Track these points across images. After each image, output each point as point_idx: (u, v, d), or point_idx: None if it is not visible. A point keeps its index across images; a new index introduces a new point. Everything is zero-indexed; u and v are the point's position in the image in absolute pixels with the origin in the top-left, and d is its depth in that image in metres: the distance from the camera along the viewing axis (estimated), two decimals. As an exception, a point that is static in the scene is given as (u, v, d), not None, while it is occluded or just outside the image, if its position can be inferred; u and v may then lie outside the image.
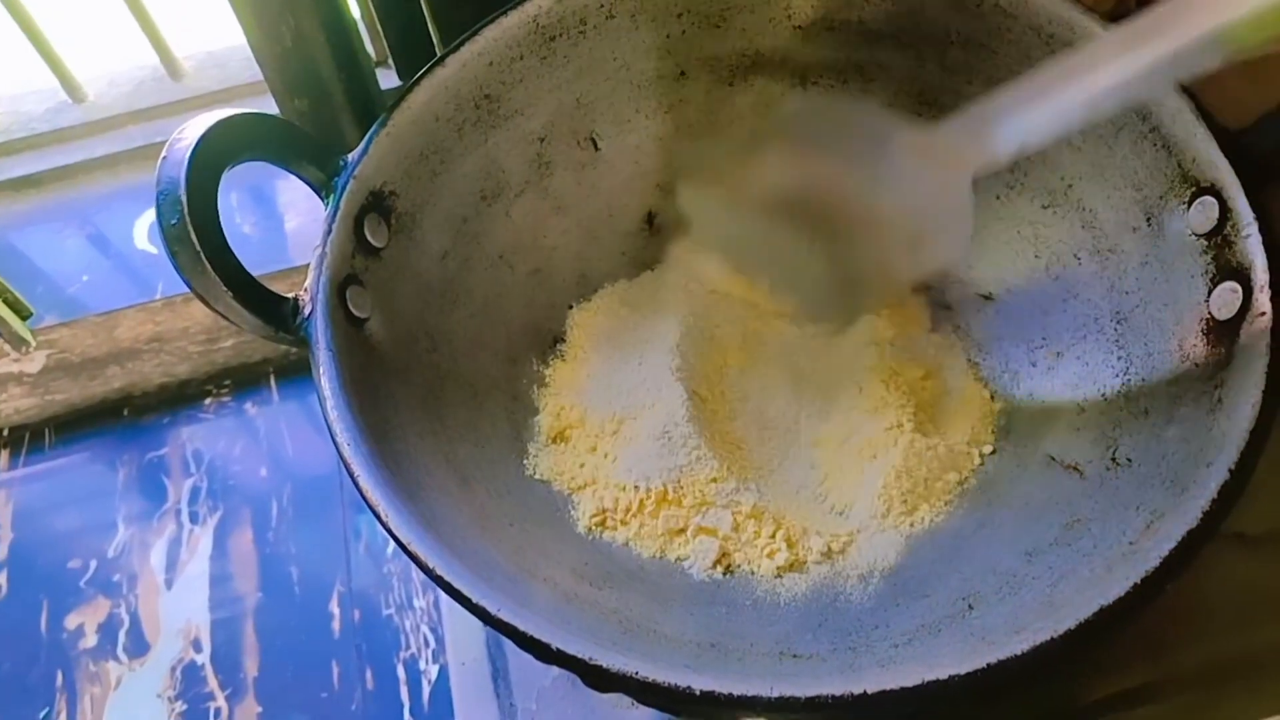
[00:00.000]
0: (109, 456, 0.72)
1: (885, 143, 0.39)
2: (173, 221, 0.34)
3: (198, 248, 0.34)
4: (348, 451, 0.33)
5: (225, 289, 0.34)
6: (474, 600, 0.30)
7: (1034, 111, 0.33)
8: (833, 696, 0.28)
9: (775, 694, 0.28)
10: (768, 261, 0.45)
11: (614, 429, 0.43)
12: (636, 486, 0.41)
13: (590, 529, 0.42)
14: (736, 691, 0.28)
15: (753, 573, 0.40)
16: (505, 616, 0.30)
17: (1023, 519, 0.38)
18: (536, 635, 0.29)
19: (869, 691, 0.27)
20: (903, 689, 0.27)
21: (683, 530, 0.41)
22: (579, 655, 0.29)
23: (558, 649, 0.29)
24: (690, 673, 0.29)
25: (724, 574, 0.40)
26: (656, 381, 0.43)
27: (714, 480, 0.41)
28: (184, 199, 0.34)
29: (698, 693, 0.28)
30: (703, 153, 0.46)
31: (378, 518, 0.32)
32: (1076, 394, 0.40)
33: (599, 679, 0.29)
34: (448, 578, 0.30)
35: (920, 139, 0.37)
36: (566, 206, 0.48)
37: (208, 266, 0.34)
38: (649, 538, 0.41)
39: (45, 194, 0.74)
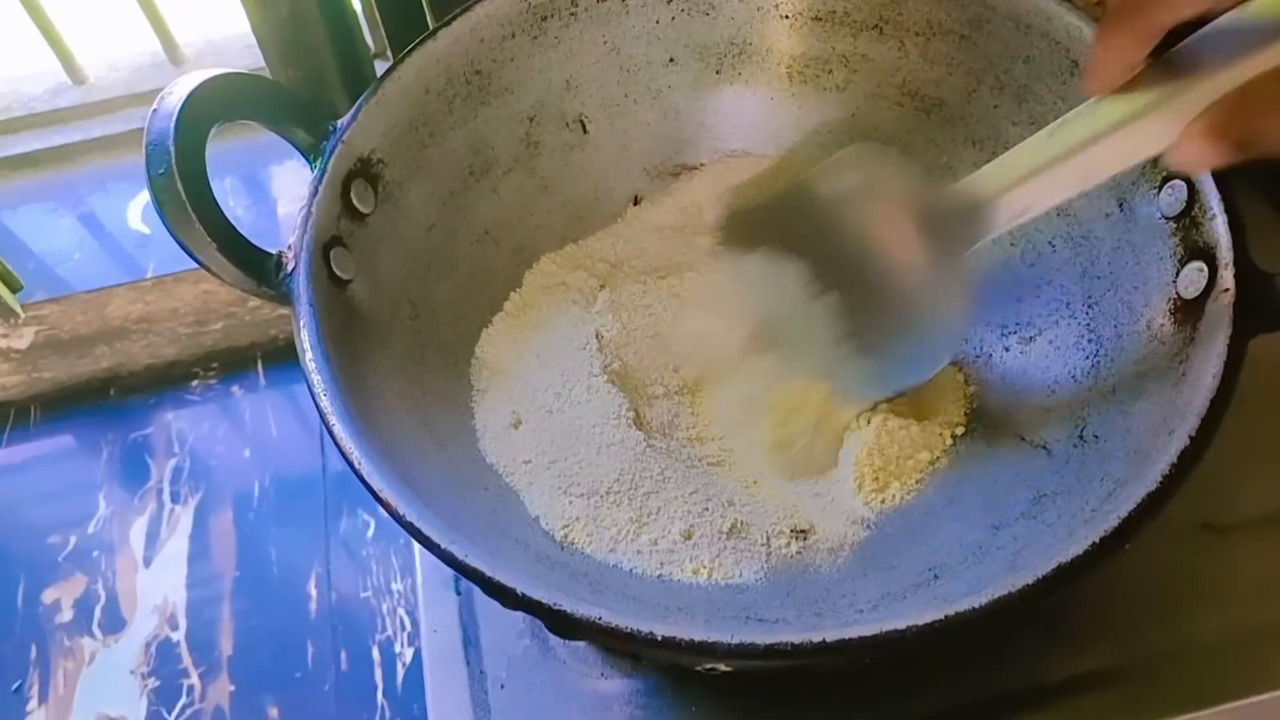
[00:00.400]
0: (93, 435, 0.73)
1: (902, 210, 0.38)
2: (160, 171, 0.34)
3: (184, 198, 0.34)
4: (324, 401, 0.33)
5: (209, 240, 0.35)
6: (442, 546, 0.30)
7: (1035, 187, 0.34)
8: (792, 644, 0.28)
9: (735, 640, 0.28)
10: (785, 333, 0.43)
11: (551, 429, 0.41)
12: (585, 495, 0.39)
13: (549, 533, 0.39)
14: (698, 637, 0.28)
15: (720, 567, 0.39)
16: (472, 562, 0.30)
17: (991, 495, 0.38)
18: (502, 580, 0.30)
19: (828, 640, 0.28)
20: (861, 638, 0.28)
21: (643, 525, 0.39)
22: (544, 600, 0.29)
23: (523, 593, 0.29)
24: (654, 620, 0.29)
25: (693, 575, 0.38)
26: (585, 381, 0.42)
27: (670, 476, 0.40)
28: (172, 149, 0.34)
29: (659, 638, 0.28)
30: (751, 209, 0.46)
31: (350, 465, 0.32)
32: (1047, 376, 0.41)
33: (563, 624, 0.29)
34: (417, 523, 0.31)
35: (929, 211, 0.37)
36: (553, 187, 0.49)
37: (193, 217, 0.34)
38: (606, 543, 0.39)
39: (41, 172, 0.75)
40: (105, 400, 0.74)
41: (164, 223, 0.34)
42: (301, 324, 0.35)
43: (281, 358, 0.76)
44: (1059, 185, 0.34)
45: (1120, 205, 0.39)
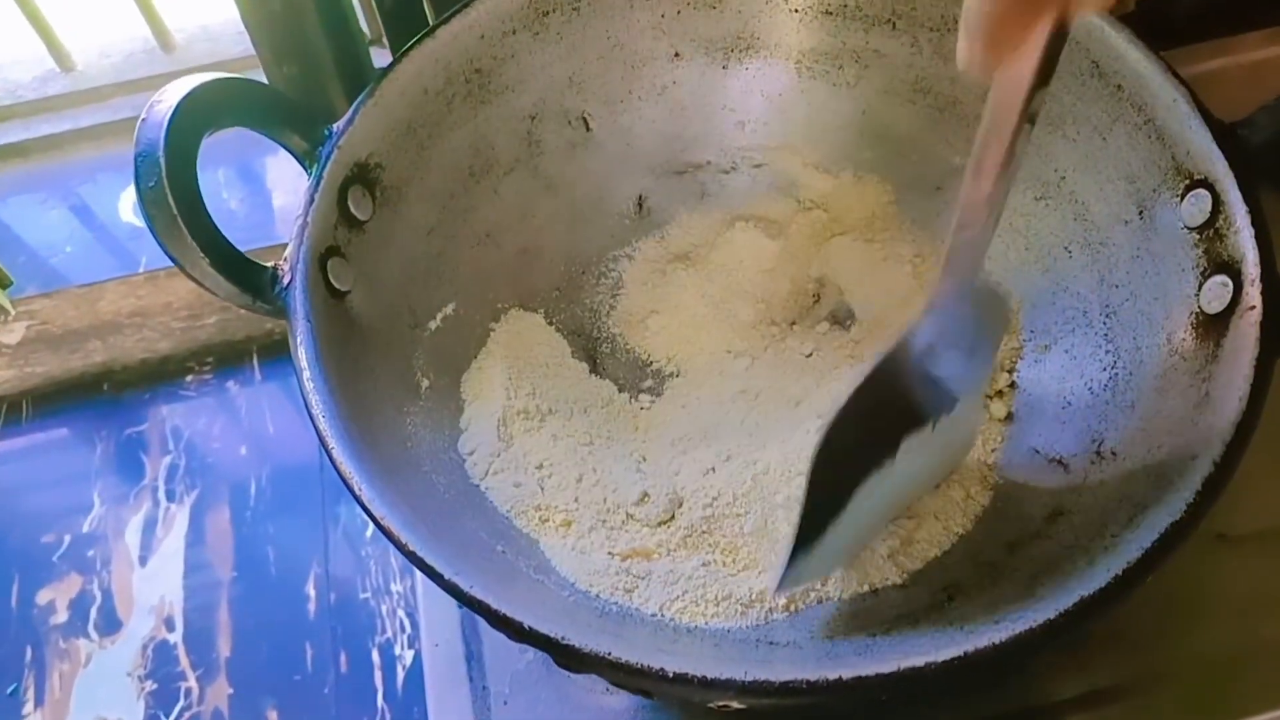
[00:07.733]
0: (87, 431, 0.71)
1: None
2: (150, 184, 0.33)
3: (175, 211, 0.33)
4: (323, 423, 0.32)
5: (202, 255, 0.34)
6: (446, 576, 0.30)
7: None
8: (807, 682, 0.27)
9: (750, 678, 0.27)
10: None
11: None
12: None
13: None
14: (710, 674, 0.27)
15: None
16: (478, 594, 0.29)
17: (1005, 509, 0.38)
18: (508, 613, 0.29)
19: (844, 677, 0.27)
20: (878, 675, 0.27)
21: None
22: (550, 634, 0.28)
23: (530, 627, 0.28)
24: (664, 655, 0.28)
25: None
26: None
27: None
28: (162, 161, 0.33)
29: (671, 674, 0.27)
30: None
31: (351, 491, 0.32)
32: (1063, 387, 0.40)
33: (571, 659, 0.28)
34: (420, 553, 0.30)
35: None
36: (556, 186, 0.48)
37: (184, 231, 0.33)
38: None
39: (30, 163, 0.73)
40: (98, 396, 0.73)
41: (155, 237, 0.33)
42: (299, 341, 0.34)
43: (277, 352, 0.75)
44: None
45: (1140, 212, 0.38)
